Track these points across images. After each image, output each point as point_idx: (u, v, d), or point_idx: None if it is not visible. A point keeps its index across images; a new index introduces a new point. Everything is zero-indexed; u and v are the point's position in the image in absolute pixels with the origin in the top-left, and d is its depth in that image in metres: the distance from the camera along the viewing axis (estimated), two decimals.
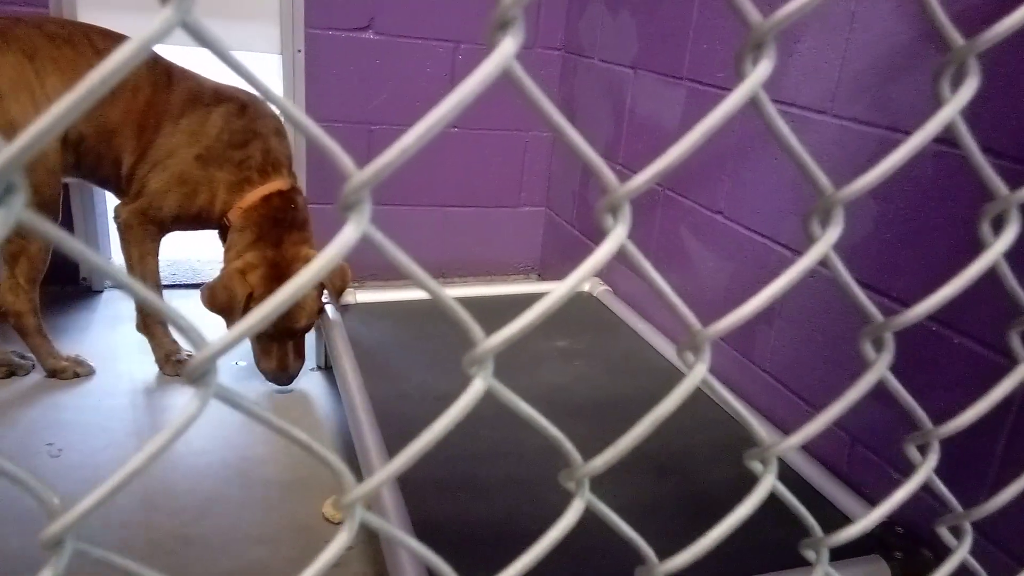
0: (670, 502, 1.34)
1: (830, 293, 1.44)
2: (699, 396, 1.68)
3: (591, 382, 1.73)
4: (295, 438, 0.34)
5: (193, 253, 2.61)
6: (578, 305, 2.12)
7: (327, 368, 1.98)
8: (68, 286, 2.28)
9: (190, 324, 0.30)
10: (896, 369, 1.31)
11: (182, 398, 1.77)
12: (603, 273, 2.26)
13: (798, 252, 1.50)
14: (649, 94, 1.98)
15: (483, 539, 1.21)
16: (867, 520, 0.56)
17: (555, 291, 0.32)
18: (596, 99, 2.25)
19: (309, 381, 1.93)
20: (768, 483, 0.50)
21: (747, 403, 1.65)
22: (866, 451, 1.37)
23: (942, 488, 0.63)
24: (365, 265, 2.50)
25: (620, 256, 0.32)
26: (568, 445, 0.44)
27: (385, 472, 0.37)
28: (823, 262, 0.41)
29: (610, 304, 2.11)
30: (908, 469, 1.27)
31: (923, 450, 0.60)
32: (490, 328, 0.34)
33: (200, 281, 2.41)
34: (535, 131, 2.50)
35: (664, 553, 0.47)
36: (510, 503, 1.30)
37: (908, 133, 1.26)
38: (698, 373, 0.42)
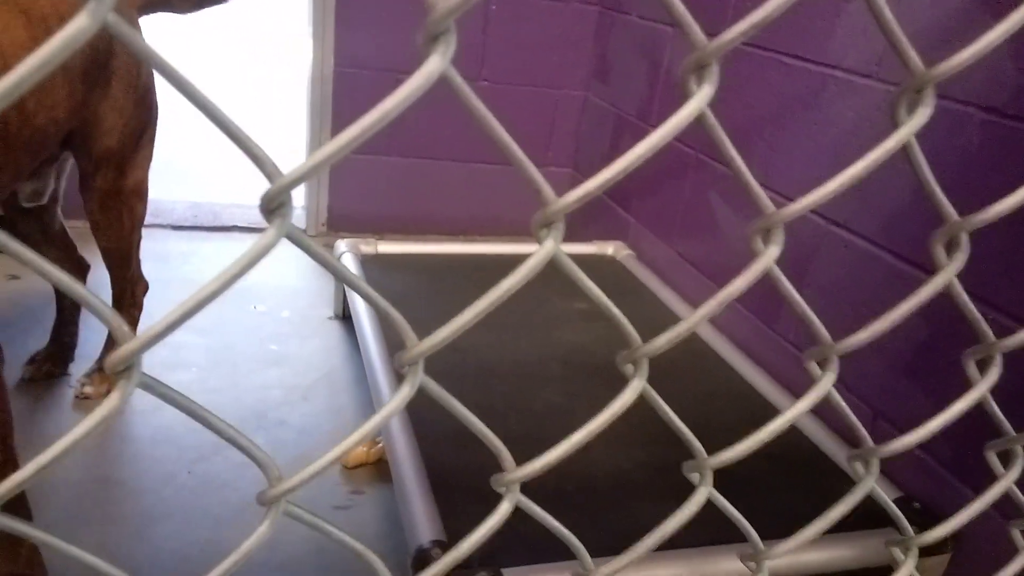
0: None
1: (860, 264, 1.40)
2: (717, 364, 1.66)
3: (610, 344, 1.71)
4: (228, 434, 0.31)
5: (215, 196, 2.60)
6: (601, 268, 2.09)
7: (345, 317, 1.98)
8: None
9: (111, 314, 0.26)
10: (933, 346, 1.27)
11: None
12: (628, 238, 2.23)
13: (835, 222, 1.46)
14: (688, 52, 1.92)
15: (494, 490, 1.20)
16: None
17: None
18: (632, 57, 2.19)
19: (327, 329, 1.92)
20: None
21: (768, 374, 1.62)
22: (888, 425, 1.35)
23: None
24: (386, 217, 2.49)
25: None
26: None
27: (313, 467, 0.33)
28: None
29: (633, 269, 2.08)
30: (932, 446, 1.25)
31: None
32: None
33: (222, 225, 2.41)
34: (566, 89, 2.45)
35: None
36: (521, 458, 1.29)
37: (955, 100, 1.21)
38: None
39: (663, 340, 0.31)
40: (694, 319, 0.33)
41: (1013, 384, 1.13)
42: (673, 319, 1.85)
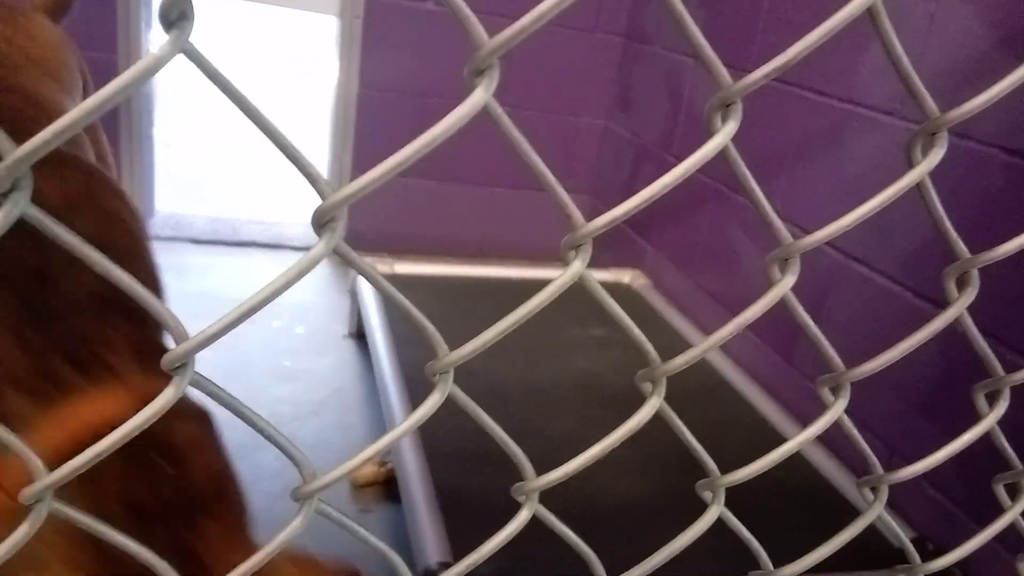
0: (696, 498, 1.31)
1: (878, 300, 1.39)
2: (731, 396, 1.65)
3: (625, 372, 1.70)
4: (268, 433, 0.32)
5: (236, 212, 2.63)
6: (617, 296, 2.08)
7: (359, 336, 1.99)
8: None
9: (171, 316, 0.28)
10: (951, 386, 1.26)
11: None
12: (645, 266, 2.23)
13: (854, 257, 1.46)
14: (709, 85, 1.94)
15: (503, 512, 1.20)
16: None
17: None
18: (654, 87, 2.21)
19: (340, 347, 1.93)
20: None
21: (784, 407, 1.61)
22: (904, 463, 1.33)
23: None
24: (403, 237, 2.51)
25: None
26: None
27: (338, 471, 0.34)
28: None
29: (650, 298, 2.08)
30: (948, 487, 1.23)
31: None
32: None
33: (240, 240, 2.43)
34: (587, 117, 2.47)
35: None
36: None
37: (980, 142, 1.21)
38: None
39: (681, 360, 0.32)
40: (712, 340, 0.33)
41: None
42: (688, 348, 1.84)
